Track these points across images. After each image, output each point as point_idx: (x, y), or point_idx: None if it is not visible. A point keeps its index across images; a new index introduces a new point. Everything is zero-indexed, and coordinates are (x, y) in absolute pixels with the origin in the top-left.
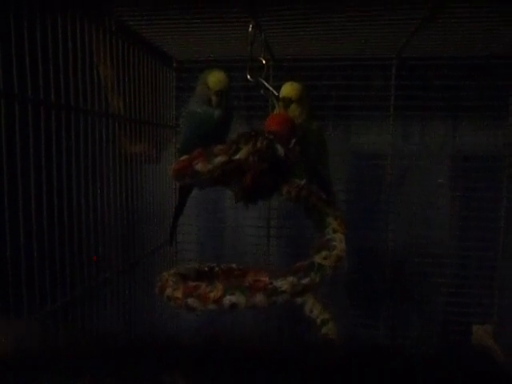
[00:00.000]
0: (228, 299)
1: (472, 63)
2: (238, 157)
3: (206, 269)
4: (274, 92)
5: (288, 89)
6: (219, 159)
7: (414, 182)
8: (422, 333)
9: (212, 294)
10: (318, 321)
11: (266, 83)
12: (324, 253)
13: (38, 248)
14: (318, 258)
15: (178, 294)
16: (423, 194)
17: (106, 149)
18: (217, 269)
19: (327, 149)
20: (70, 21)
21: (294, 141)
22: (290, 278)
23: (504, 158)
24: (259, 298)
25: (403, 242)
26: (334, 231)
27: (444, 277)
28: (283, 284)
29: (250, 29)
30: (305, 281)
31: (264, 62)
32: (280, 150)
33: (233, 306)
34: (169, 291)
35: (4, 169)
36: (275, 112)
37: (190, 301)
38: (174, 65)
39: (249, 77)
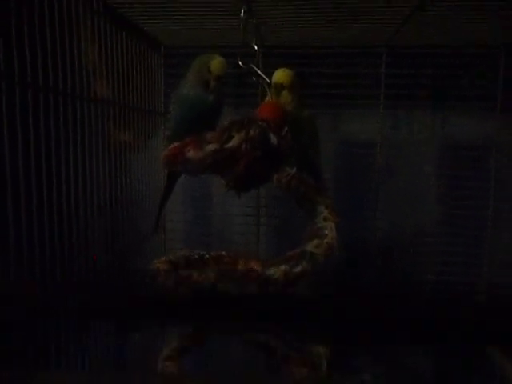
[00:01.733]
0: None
1: (462, 53)
2: (230, 145)
3: (196, 256)
4: (266, 79)
5: (280, 75)
6: (211, 147)
7: (403, 171)
8: None
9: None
10: None
11: (258, 70)
12: (315, 241)
13: (17, 239)
14: (309, 247)
15: (170, 283)
16: (412, 183)
17: (92, 135)
18: (207, 256)
19: (318, 137)
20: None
21: (286, 129)
22: (283, 267)
23: (492, 148)
24: (252, 287)
25: (392, 230)
26: (325, 220)
27: (432, 265)
28: (276, 272)
29: (242, 14)
30: (297, 269)
31: (256, 48)
32: (273, 138)
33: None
34: (161, 280)
35: None
36: (266, 100)
37: (182, 290)
38: (163, 50)
39: (240, 63)
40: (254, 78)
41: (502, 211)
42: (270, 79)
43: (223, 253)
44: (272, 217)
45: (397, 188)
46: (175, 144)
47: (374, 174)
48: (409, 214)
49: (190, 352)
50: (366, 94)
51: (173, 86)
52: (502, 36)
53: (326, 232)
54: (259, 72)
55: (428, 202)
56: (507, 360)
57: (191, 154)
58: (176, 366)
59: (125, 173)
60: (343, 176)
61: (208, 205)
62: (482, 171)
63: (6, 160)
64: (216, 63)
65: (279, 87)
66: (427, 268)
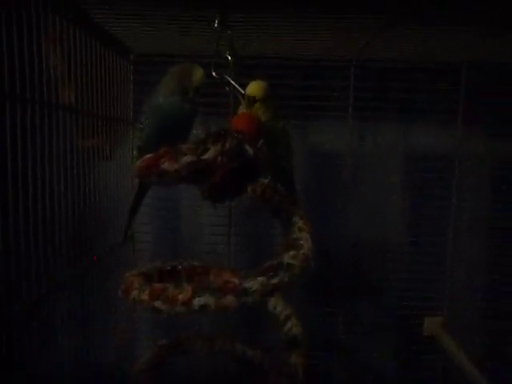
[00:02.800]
0: (197, 301)
1: (426, 68)
2: (206, 157)
3: (169, 267)
4: (241, 90)
5: (253, 87)
6: (187, 159)
7: (370, 182)
8: (378, 326)
9: (181, 296)
10: (282, 316)
11: (232, 81)
12: (292, 252)
13: None
14: (286, 258)
15: (145, 296)
16: (378, 193)
17: (58, 142)
18: (179, 267)
19: (292, 148)
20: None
21: (261, 141)
22: (260, 279)
23: (454, 159)
24: (229, 300)
25: (359, 239)
26: (300, 230)
27: (397, 272)
28: (253, 284)
29: (216, 24)
30: (274, 280)
31: (230, 58)
32: (249, 150)
33: (202, 307)
34: (135, 294)
35: None
36: (240, 110)
37: (158, 303)
38: (132, 57)
39: (214, 74)
40: (227, 89)
41: (463, 220)
42: (244, 89)
43: (195, 263)
44: (242, 226)
45: (364, 198)
46: (148, 155)
47: (342, 184)
48: (376, 223)
49: (164, 364)
50: (335, 106)
51: (143, 93)
52: (464, 53)
53: (302, 242)
54: (233, 83)
55: (393, 211)
56: None
57: (166, 165)
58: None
59: (91, 181)
60: (312, 186)
61: (177, 215)
62: (445, 181)
63: None
64: (199, 74)
65: (252, 99)
66: (393, 275)
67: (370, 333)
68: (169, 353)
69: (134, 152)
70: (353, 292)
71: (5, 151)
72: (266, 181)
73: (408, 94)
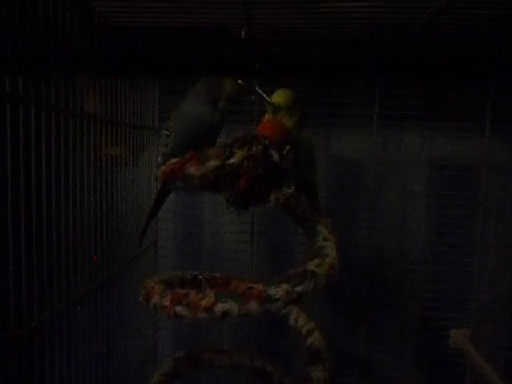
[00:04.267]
0: (220, 307)
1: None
2: (232, 161)
3: (190, 277)
4: (266, 98)
5: (278, 95)
6: (213, 163)
7: (394, 190)
8: (403, 337)
9: (203, 302)
10: (304, 331)
11: (258, 89)
12: (316, 260)
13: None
14: (311, 266)
15: (166, 301)
16: (402, 202)
17: (84, 150)
18: (200, 277)
19: (315, 156)
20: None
21: (287, 147)
22: (284, 286)
23: (480, 168)
24: (252, 306)
25: (383, 248)
26: (325, 239)
27: (423, 282)
28: (277, 292)
29: (243, 35)
30: (299, 288)
31: (258, 66)
32: (275, 155)
33: (225, 314)
34: (156, 299)
35: None
36: (266, 117)
37: (179, 309)
38: None
39: (240, 81)
40: (253, 97)
41: (490, 230)
42: (269, 96)
43: (217, 274)
44: (264, 234)
45: (388, 207)
46: (174, 160)
47: (366, 192)
48: (399, 232)
49: (181, 377)
50: (359, 113)
51: (169, 101)
52: None
53: (327, 252)
54: (259, 91)
55: (417, 219)
56: None
57: (192, 169)
58: None
59: (116, 189)
60: (335, 194)
61: (200, 222)
62: (471, 190)
63: None
64: (230, 84)
65: (276, 108)
66: (418, 285)
67: (395, 343)
68: (186, 366)
69: (159, 158)
70: (377, 302)
71: (29, 160)
72: (290, 190)
73: (433, 101)
